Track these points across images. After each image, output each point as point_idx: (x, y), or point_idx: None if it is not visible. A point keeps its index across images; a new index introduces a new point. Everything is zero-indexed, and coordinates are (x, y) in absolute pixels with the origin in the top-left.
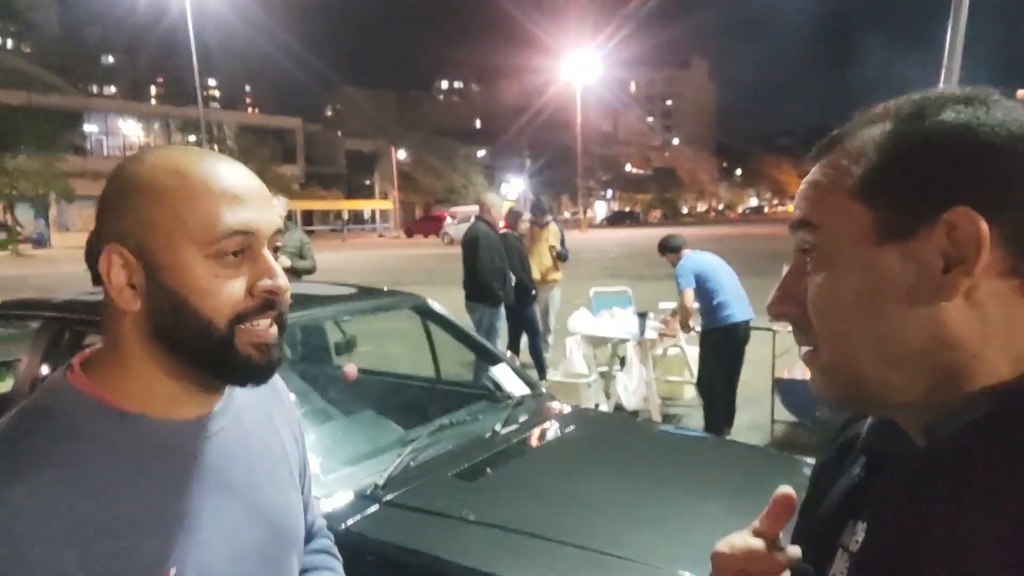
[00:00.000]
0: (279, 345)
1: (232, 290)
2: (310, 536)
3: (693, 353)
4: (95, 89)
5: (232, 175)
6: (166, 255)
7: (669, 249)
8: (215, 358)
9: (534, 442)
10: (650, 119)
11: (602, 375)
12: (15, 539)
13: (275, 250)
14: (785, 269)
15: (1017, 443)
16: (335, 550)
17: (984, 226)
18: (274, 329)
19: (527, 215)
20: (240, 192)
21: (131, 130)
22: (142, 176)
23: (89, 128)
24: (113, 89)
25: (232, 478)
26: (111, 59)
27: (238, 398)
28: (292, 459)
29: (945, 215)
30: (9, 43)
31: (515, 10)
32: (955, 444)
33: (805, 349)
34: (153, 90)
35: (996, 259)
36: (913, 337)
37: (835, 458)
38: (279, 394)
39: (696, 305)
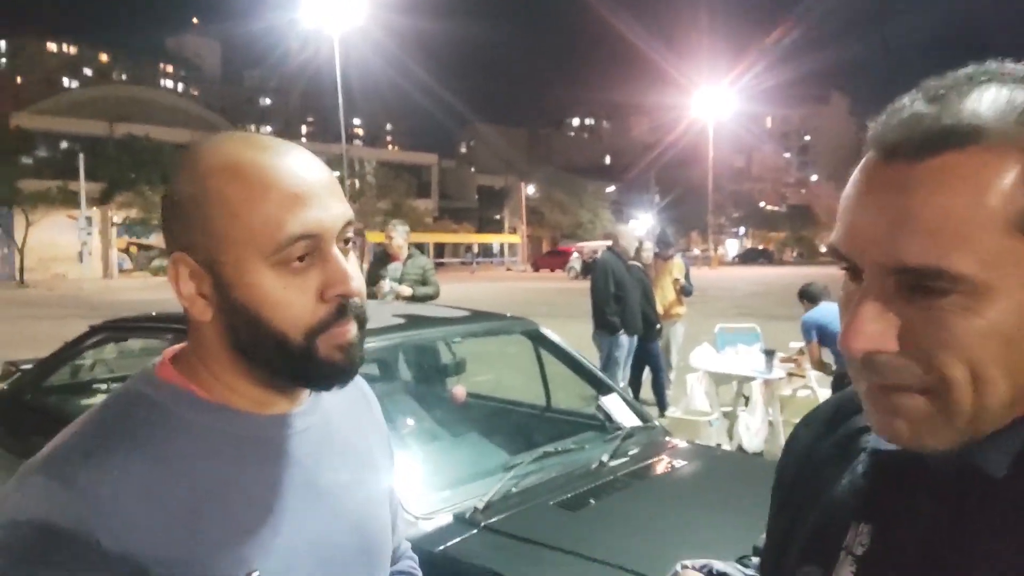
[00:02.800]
0: (360, 343)
1: (303, 300)
2: (396, 557)
3: (824, 396)
4: (253, 128)
5: (292, 170)
6: (233, 269)
7: (806, 297)
8: (298, 367)
9: (643, 476)
10: (786, 155)
11: (725, 415)
12: (102, 518)
13: (346, 242)
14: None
15: None
16: (419, 572)
17: None
18: (353, 327)
19: (650, 245)
20: (301, 190)
21: None
22: (198, 181)
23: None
24: (269, 128)
25: (319, 479)
26: (268, 101)
27: (327, 400)
28: (381, 471)
29: None
30: (179, 86)
31: (647, 47)
32: (1006, 470)
33: (895, 390)
34: (304, 129)
35: None
36: None
37: (837, 453)
38: (369, 402)
39: (828, 355)
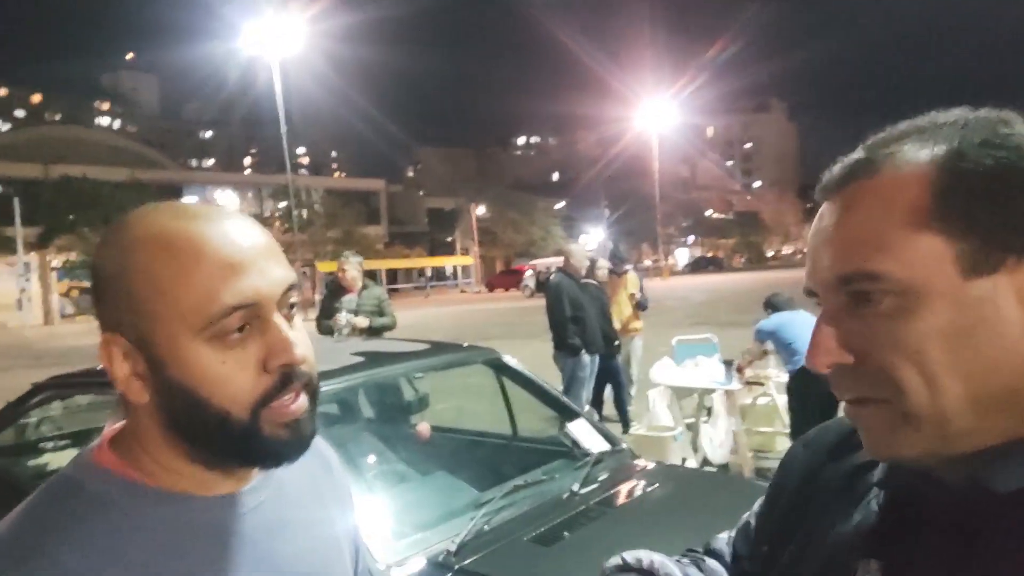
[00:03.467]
0: (311, 417)
1: (244, 374)
2: None
3: (782, 402)
4: (194, 162)
5: (224, 238)
6: (166, 348)
7: (771, 306)
8: (241, 448)
9: (614, 502)
10: (729, 163)
11: (688, 427)
12: None
13: (291, 307)
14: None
15: None
16: None
17: None
18: (302, 400)
19: (604, 263)
20: (235, 258)
21: (228, 199)
22: (123, 257)
23: (189, 200)
24: (211, 161)
25: (273, 556)
26: (208, 134)
27: (280, 469)
28: (343, 542)
29: None
30: (116, 123)
31: (589, 62)
32: (1012, 492)
33: (860, 403)
34: (248, 160)
35: None
36: (1009, 378)
37: (845, 486)
38: (328, 465)
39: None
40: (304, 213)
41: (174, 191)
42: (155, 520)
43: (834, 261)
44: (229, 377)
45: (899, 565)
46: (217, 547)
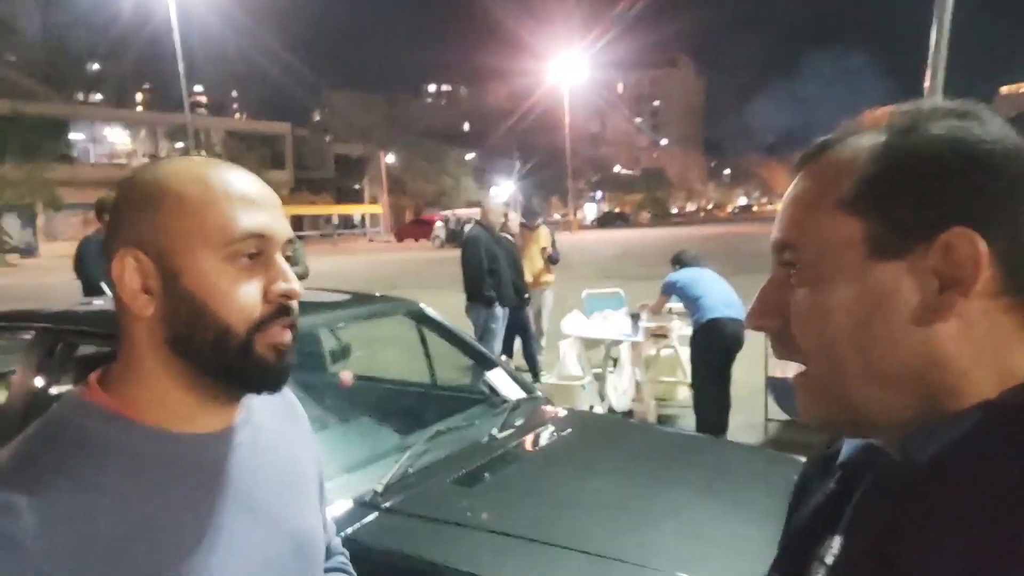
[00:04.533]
0: (292, 350)
1: (249, 293)
2: (328, 554)
3: (686, 354)
4: (81, 96)
5: (248, 182)
6: (184, 259)
7: (678, 262)
8: (232, 363)
9: (531, 446)
10: (638, 119)
11: (596, 377)
12: (25, 553)
13: (287, 259)
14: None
15: (994, 462)
16: (350, 567)
17: (983, 247)
18: (288, 333)
19: (516, 216)
20: (256, 197)
21: (118, 137)
22: (160, 182)
23: (75, 136)
24: (99, 96)
25: (254, 493)
26: (96, 66)
27: (257, 412)
28: (311, 476)
29: (943, 235)
30: None
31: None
32: (932, 462)
33: (796, 370)
34: (139, 97)
35: (988, 278)
36: (904, 356)
37: (818, 473)
38: (295, 410)
39: (671, 307)
40: (204, 155)
41: (59, 126)
42: (145, 456)
43: (776, 229)
44: (236, 294)
45: (852, 538)
46: (203, 484)
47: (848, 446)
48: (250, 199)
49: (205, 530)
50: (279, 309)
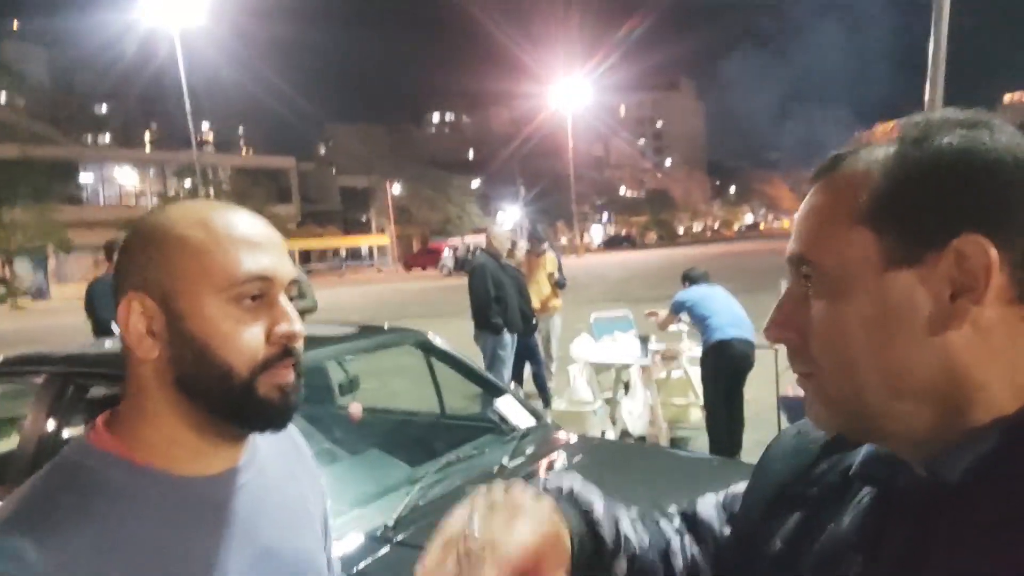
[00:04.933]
0: (297, 390)
1: (252, 335)
2: None
3: (697, 375)
4: (89, 138)
5: (251, 224)
6: (189, 302)
7: (688, 279)
8: (237, 404)
9: (542, 474)
10: (641, 141)
11: (607, 401)
12: None
13: (291, 299)
14: (783, 288)
15: (1012, 483)
16: None
17: (994, 253)
18: (293, 373)
19: (522, 243)
20: (259, 240)
21: (126, 178)
22: (165, 226)
23: (84, 178)
24: (107, 137)
25: (258, 533)
26: (104, 108)
27: (262, 452)
28: (316, 516)
29: (954, 242)
30: (2, 97)
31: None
32: (960, 482)
33: (803, 377)
34: (147, 136)
35: (1001, 286)
36: (921, 367)
37: (841, 484)
38: (299, 448)
39: (682, 327)
40: (211, 192)
41: (69, 168)
42: (150, 499)
43: (792, 242)
44: (239, 335)
45: (874, 557)
46: (210, 525)
47: (867, 461)
48: (253, 242)
49: (210, 571)
50: (283, 351)
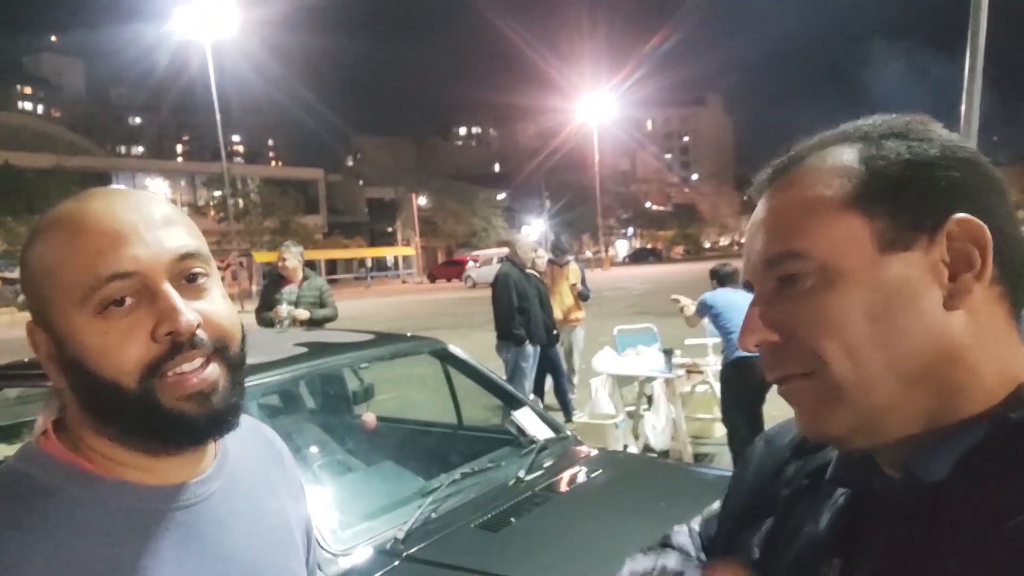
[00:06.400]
0: (226, 390)
1: (130, 344)
2: None
3: (718, 388)
4: (122, 149)
5: (106, 212)
6: (61, 325)
7: (715, 277)
8: (143, 421)
9: (559, 488)
10: (668, 156)
11: (629, 415)
12: None
13: (190, 278)
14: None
15: (1000, 483)
16: None
17: (987, 231)
18: (211, 370)
19: (545, 254)
20: (113, 230)
21: (158, 188)
22: (28, 249)
23: (117, 187)
24: (140, 148)
25: (227, 549)
26: (137, 120)
27: (233, 460)
28: (296, 530)
29: (951, 221)
30: (39, 108)
31: (531, 53)
32: (938, 483)
33: (789, 381)
34: (179, 148)
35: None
36: (924, 348)
37: (811, 486)
38: (280, 455)
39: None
40: (240, 202)
41: (102, 178)
42: (103, 509)
43: (763, 247)
44: (112, 347)
45: (853, 561)
46: (169, 537)
47: (839, 464)
48: (106, 235)
49: None
50: (172, 348)
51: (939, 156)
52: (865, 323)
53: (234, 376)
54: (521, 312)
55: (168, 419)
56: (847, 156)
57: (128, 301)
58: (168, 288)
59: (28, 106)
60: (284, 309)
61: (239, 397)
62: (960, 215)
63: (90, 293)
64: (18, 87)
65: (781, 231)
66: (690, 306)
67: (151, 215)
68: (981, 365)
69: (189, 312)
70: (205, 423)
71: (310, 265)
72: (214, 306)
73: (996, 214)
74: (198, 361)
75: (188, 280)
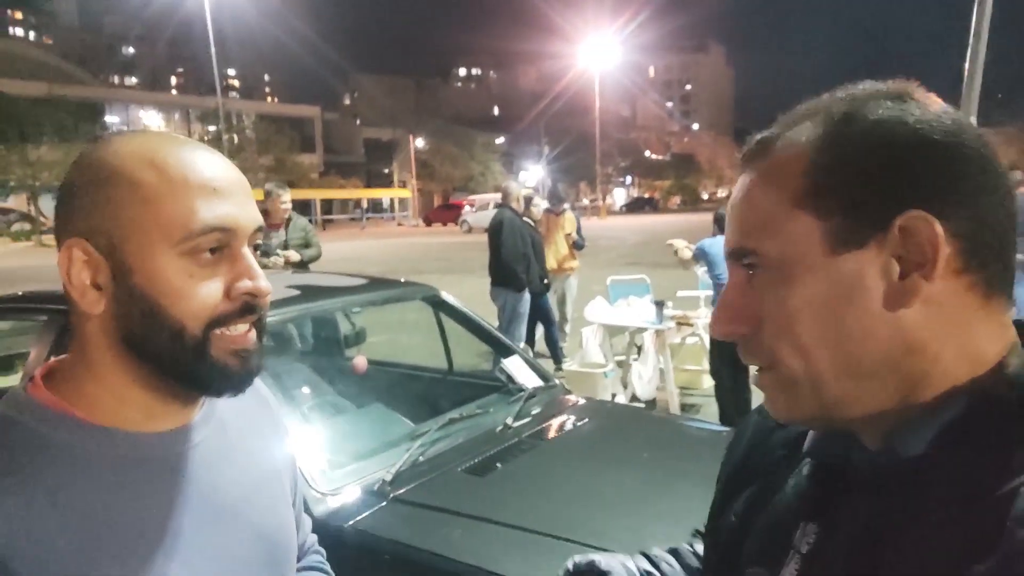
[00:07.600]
0: (259, 352)
1: (208, 292)
2: (302, 554)
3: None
4: (116, 79)
5: (212, 166)
6: (137, 255)
7: (717, 222)
8: (188, 367)
9: (546, 436)
10: (668, 104)
11: (619, 364)
12: None
13: (255, 248)
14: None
15: (977, 455)
16: (327, 567)
17: (939, 228)
18: (253, 334)
19: (542, 202)
20: (219, 185)
21: (151, 121)
22: (114, 166)
23: (110, 119)
24: (134, 80)
25: (218, 493)
26: (131, 50)
27: (221, 406)
28: (283, 472)
29: (899, 220)
30: (31, 35)
31: None
32: (917, 455)
33: (760, 370)
34: (173, 80)
35: (948, 258)
36: (877, 347)
37: (787, 454)
38: (266, 402)
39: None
40: (235, 138)
41: (95, 109)
42: (96, 456)
43: (730, 235)
44: (192, 292)
45: (831, 527)
46: (160, 484)
47: (816, 437)
48: (212, 187)
49: (164, 533)
50: (243, 307)
51: (907, 141)
52: (814, 321)
53: (261, 342)
54: (524, 258)
55: (214, 369)
56: (803, 145)
57: (215, 254)
58: (248, 252)
59: (20, 32)
60: (279, 257)
61: (262, 359)
62: (912, 212)
63: (189, 236)
64: (9, 12)
65: (742, 225)
66: (685, 249)
67: (242, 182)
68: (944, 354)
69: (265, 280)
70: (241, 378)
71: (305, 204)
72: (264, 277)
73: (972, 200)
74: (249, 325)
75: (254, 249)
